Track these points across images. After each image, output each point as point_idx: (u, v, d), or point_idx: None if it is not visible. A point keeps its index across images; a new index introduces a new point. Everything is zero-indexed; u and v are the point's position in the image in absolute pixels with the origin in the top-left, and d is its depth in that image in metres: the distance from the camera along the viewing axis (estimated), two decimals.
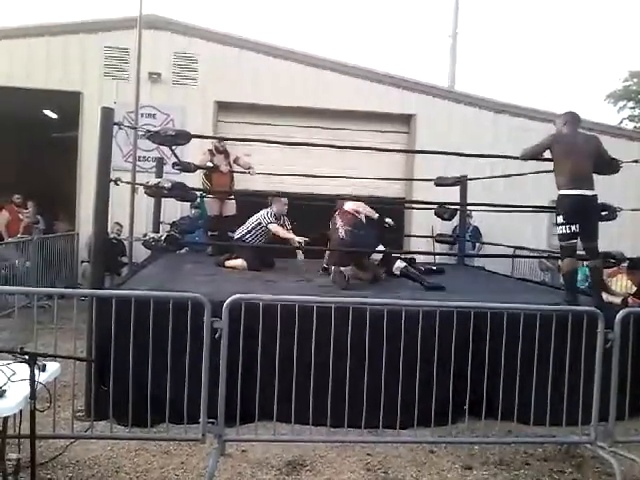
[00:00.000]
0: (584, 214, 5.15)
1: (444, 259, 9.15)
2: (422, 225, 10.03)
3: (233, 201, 8.52)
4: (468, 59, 45.48)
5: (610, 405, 3.90)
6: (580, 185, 5.11)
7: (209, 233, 8.71)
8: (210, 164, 8.46)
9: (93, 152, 4.95)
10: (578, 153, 5.21)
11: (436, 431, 4.10)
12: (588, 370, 3.98)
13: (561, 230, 5.19)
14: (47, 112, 13.09)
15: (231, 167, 8.52)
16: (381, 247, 5.94)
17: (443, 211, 7.66)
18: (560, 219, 5.18)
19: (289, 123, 10.68)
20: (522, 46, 47.34)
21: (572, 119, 5.38)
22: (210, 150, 8.46)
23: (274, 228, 6.98)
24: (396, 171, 10.72)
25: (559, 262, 5.73)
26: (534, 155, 5.49)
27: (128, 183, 6.00)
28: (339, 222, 6.06)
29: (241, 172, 8.68)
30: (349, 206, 6.13)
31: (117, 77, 10.43)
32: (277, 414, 3.83)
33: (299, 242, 6.85)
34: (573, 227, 5.12)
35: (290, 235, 7.00)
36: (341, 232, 5.96)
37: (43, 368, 2.93)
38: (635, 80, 25.85)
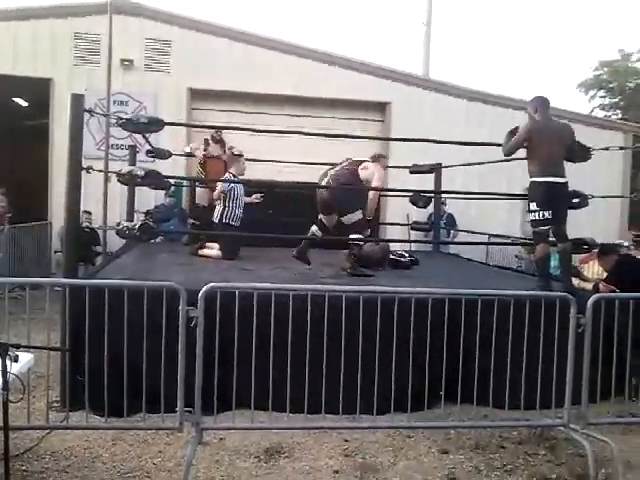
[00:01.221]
0: (556, 200, 5.24)
1: (420, 246, 9.21)
2: (397, 213, 10.07)
3: None
4: (442, 47, 45.59)
5: (582, 388, 3.96)
6: (553, 172, 5.20)
7: (191, 221, 8.60)
8: (187, 149, 8.42)
9: (65, 140, 4.86)
10: (552, 141, 5.29)
11: (413, 416, 4.13)
12: (561, 355, 4.04)
13: (534, 216, 5.28)
14: (17, 100, 12.81)
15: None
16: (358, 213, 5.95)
17: (418, 199, 7.70)
18: (533, 205, 5.27)
19: (264, 111, 10.63)
20: (495, 34, 47.62)
21: (542, 104, 5.43)
22: (206, 139, 8.39)
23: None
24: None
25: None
26: (514, 150, 5.49)
27: (100, 171, 5.93)
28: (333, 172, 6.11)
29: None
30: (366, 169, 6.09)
31: (88, 63, 10.24)
32: (254, 402, 3.83)
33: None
34: (546, 213, 5.21)
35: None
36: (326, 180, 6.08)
37: (15, 359, 2.88)
38: (605, 69, 26.17)
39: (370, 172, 6.03)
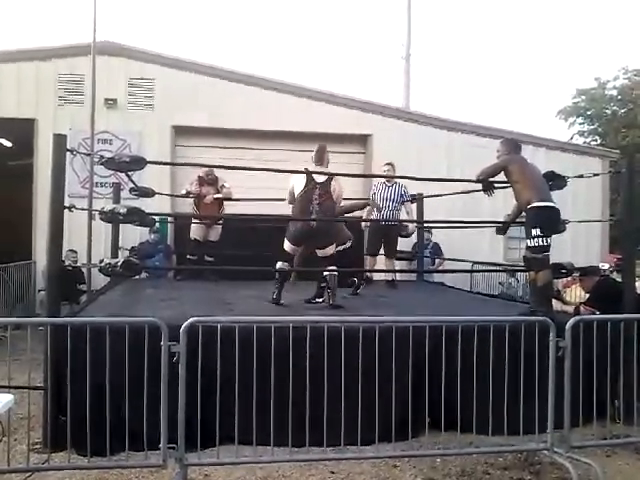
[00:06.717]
0: (556, 225, 5.33)
1: (404, 276, 9.25)
2: None
3: (219, 227, 8.64)
4: (422, 79, 46.48)
5: (564, 412, 3.99)
6: (548, 197, 5.28)
7: (188, 256, 8.68)
8: (183, 191, 8.74)
9: (49, 180, 4.91)
10: (535, 170, 5.45)
11: (398, 445, 4.14)
12: (543, 379, 4.07)
13: (538, 242, 5.14)
14: (1, 140, 12.87)
15: (220, 193, 8.67)
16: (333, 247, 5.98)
17: (401, 228, 7.77)
18: (536, 231, 5.14)
19: (247, 146, 10.73)
20: (475, 65, 48.65)
21: (514, 145, 5.64)
22: (200, 177, 8.53)
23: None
24: (355, 189, 10.81)
25: (529, 274, 5.68)
26: (489, 176, 5.57)
27: (84, 210, 5.95)
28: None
29: (224, 199, 8.78)
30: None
31: (72, 103, 10.35)
32: (239, 436, 3.82)
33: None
34: (549, 239, 5.16)
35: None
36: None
37: None
38: (583, 97, 26.78)
39: (338, 191, 5.99)
